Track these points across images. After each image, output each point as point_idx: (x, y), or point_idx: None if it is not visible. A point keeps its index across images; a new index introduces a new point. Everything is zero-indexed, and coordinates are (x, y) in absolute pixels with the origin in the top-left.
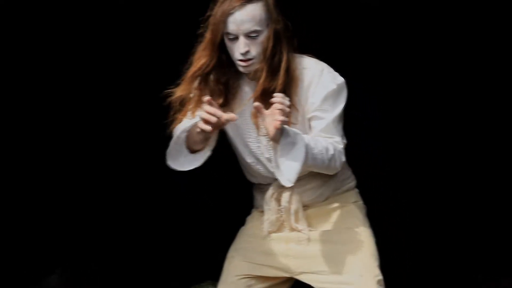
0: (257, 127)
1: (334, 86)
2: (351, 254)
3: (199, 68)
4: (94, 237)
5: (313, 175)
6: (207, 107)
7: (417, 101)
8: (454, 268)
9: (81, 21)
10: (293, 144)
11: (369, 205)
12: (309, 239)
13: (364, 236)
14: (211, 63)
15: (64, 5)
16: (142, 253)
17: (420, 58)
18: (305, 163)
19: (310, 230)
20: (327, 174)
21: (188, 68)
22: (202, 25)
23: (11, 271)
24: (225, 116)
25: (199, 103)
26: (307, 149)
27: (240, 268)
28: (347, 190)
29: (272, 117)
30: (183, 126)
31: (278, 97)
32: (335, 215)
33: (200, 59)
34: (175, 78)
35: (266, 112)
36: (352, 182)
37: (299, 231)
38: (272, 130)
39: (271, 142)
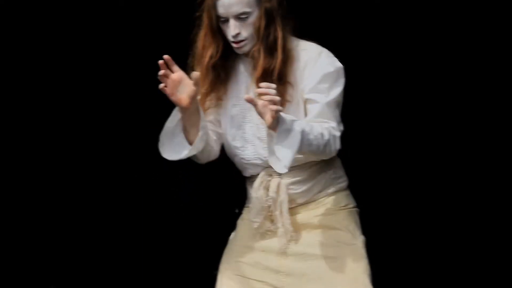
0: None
1: (331, 69)
2: (343, 271)
3: (210, 58)
4: (93, 237)
5: (303, 169)
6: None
7: (415, 101)
8: (453, 268)
9: (81, 21)
10: (289, 131)
11: (366, 205)
12: (289, 245)
13: (356, 250)
14: (219, 49)
15: (64, 5)
16: (137, 257)
17: (418, 58)
18: (301, 149)
19: (292, 237)
20: (318, 169)
21: (193, 55)
22: (198, 8)
23: (9, 275)
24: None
25: (207, 94)
26: (303, 135)
27: (233, 282)
28: (338, 191)
29: (266, 107)
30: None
31: (262, 88)
32: (325, 226)
33: (206, 48)
34: None
35: (260, 102)
36: (344, 183)
37: (277, 226)
38: (268, 119)
39: (268, 129)
